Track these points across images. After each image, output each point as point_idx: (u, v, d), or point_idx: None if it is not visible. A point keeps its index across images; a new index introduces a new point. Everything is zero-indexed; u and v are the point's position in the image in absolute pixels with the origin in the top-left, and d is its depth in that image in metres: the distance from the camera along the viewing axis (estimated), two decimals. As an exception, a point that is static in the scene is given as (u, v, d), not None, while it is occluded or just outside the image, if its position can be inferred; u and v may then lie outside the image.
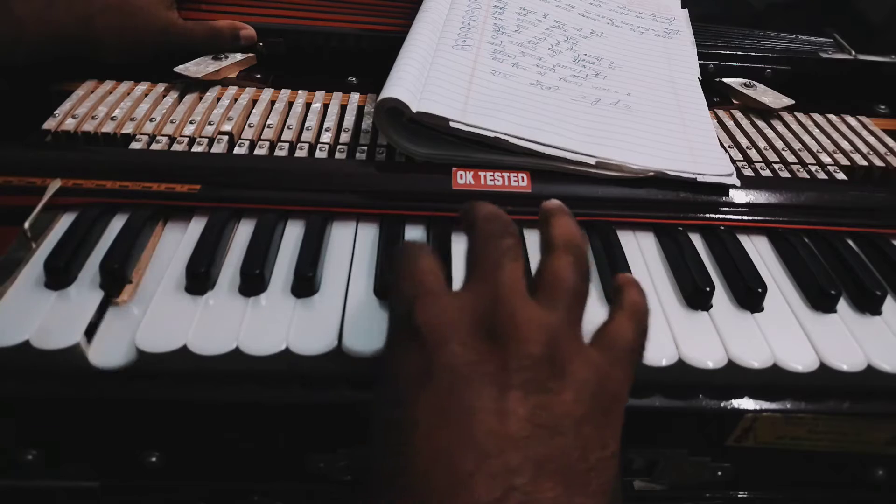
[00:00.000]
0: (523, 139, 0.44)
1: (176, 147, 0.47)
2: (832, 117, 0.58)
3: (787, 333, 0.38)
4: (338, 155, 0.48)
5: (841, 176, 0.50)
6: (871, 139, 0.55)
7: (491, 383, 0.26)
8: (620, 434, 0.27)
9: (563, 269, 0.29)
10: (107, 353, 0.35)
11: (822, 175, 0.50)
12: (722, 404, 0.37)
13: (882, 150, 0.53)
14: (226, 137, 0.48)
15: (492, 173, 0.45)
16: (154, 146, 0.47)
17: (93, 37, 0.52)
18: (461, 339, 0.27)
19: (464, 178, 0.44)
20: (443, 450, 0.25)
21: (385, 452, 0.26)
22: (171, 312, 0.36)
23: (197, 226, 0.42)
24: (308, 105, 0.53)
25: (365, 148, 0.48)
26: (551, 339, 0.27)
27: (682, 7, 0.68)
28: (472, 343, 0.27)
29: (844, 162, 0.52)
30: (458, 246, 0.42)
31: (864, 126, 0.57)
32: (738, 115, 0.57)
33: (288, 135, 0.49)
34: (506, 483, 0.24)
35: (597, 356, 0.28)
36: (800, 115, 0.58)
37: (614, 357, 0.29)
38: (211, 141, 0.48)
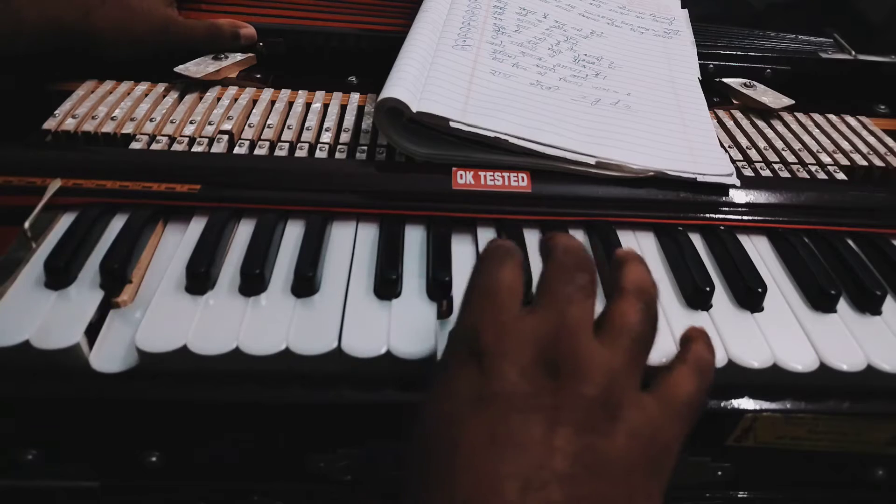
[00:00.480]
0: (523, 139, 0.44)
1: (176, 147, 0.47)
2: (832, 117, 0.58)
3: (787, 333, 0.38)
4: (338, 155, 0.48)
5: (841, 176, 0.50)
6: (871, 139, 0.55)
7: (544, 418, 0.26)
8: (666, 488, 0.27)
9: (630, 313, 0.29)
10: (106, 353, 0.35)
11: (822, 175, 0.50)
12: (722, 404, 0.37)
13: (882, 150, 0.53)
14: (226, 137, 0.48)
15: (492, 173, 0.45)
16: (154, 146, 0.47)
17: (92, 30, 0.52)
18: (521, 368, 0.27)
19: (464, 178, 0.44)
20: (487, 475, 0.25)
21: (428, 467, 0.26)
22: (171, 312, 0.36)
23: (197, 226, 0.42)
24: (308, 105, 0.53)
25: (365, 148, 0.48)
26: (609, 382, 0.26)
27: (682, 7, 0.68)
28: (531, 374, 0.27)
29: (844, 162, 0.52)
30: (459, 247, 0.42)
31: (864, 126, 0.57)
32: (738, 115, 0.57)
33: (288, 135, 0.49)
34: None
35: (653, 406, 0.28)
36: (800, 115, 0.58)
37: (671, 410, 0.28)
38: (211, 141, 0.48)
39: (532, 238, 0.43)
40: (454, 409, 0.27)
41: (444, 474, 0.25)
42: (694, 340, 0.31)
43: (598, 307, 0.32)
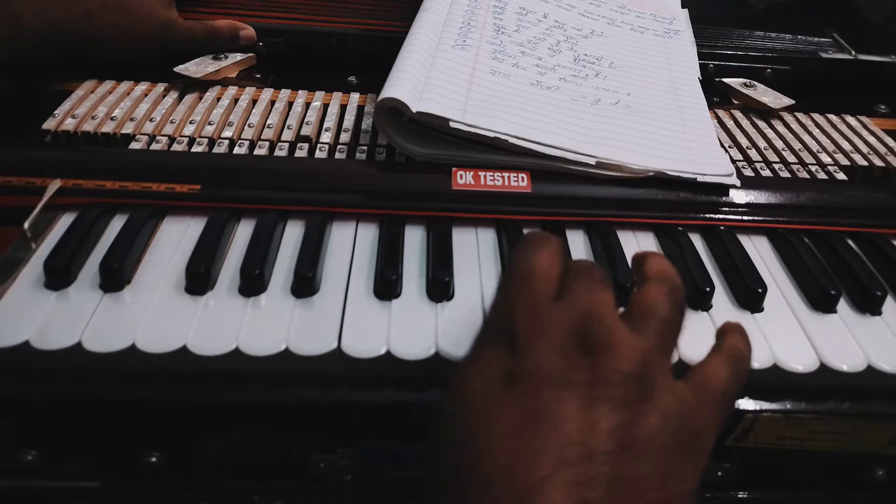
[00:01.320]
0: (523, 139, 0.44)
1: (176, 147, 0.47)
2: (832, 117, 0.58)
3: (788, 334, 0.38)
4: (338, 155, 0.48)
5: (841, 176, 0.50)
6: (871, 139, 0.55)
7: (579, 394, 0.25)
8: (700, 474, 0.27)
9: (655, 296, 0.29)
10: (107, 353, 0.35)
11: (822, 175, 0.50)
12: (722, 404, 0.37)
13: (882, 150, 0.53)
14: (226, 137, 0.48)
15: (492, 173, 0.45)
16: (154, 146, 0.47)
17: (91, 33, 0.52)
18: (553, 344, 0.27)
19: (464, 178, 0.44)
20: (522, 451, 0.25)
21: (458, 446, 0.26)
22: (171, 313, 0.36)
23: (197, 226, 0.42)
24: (308, 105, 0.53)
25: (365, 148, 0.48)
26: (643, 360, 0.26)
27: (682, 7, 0.68)
28: (565, 350, 0.26)
29: (844, 162, 0.52)
30: (459, 247, 0.42)
31: (864, 126, 0.57)
32: (738, 115, 0.57)
33: (288, 135, 0.49)
34: (579, 494, 0.23)
35: (685, 391, 0.28)
36: (800, 115, 0.58)
37: (703, 396, 0.28)
38: (211, 141, 0.48)
39: (532, 238, 0.43)
40: (486, 386, 0.27)
41: (477, 452, 0.25)
42: (729, 333, 0.31)
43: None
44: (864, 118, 0.58)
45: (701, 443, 0.27)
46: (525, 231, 0.43)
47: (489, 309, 0.31)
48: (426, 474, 0.28)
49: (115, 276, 0.37)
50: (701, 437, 0.27)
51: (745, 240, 0.45)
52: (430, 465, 0.28)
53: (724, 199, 0.45)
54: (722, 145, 0.50)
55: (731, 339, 0.31)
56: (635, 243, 0.44)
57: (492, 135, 0.44)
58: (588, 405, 0.25)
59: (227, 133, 0.48)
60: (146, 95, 0.52)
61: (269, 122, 0.50)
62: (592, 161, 0.44)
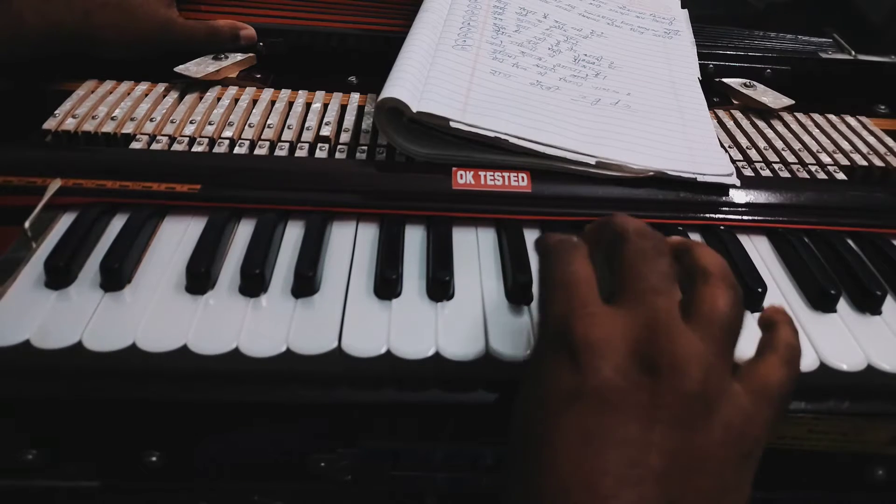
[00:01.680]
0: (523, 139, 0.44)
1: (176, 147, 0.47)
2: (832, 117, 0.58)
3: (787, 333, 0.38)
4: (338, 155, 0.48)
5: (841, 176, 0.50)
6: (871, 139, 0.55)
7: (640, 415, 0.25)
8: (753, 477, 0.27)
9: (722, 300, 0.28)
10: (107, 353, 0.35)
11: (822, 175, 0.50)
12: (722, 404, 0.37)
13: (882, 150, 0.53)
14: (226, 137, 0.48)
15: (492, 173, 0.45)
16: (154, 146, 0.47)
17: (91, 32, 0.52)
18: (616, 363, 0.26)
19: (464, 178, 0.44)
20: (583, 471, 0.25)
21: (524, 461, 0.26)
22: (171, 312, 0.36)
23: (197, 226, 0.42)
24: (308, 105, 0.53)
25: (365, 148, 0.48)
26: (706, 375, 0.26)
27: (682, 7, 0.68)
28: (627, 369, 0.26)
29: (844, 162, 0.52)
30: (459, 247, 0.42)
31: (864, 126, 0.57)
32: (738, 115, 0.57)
33: (288, 135, 0.49)
34: None
35: (744, 398, 0.27)
36: (800, 115, 0.58)
37: (762, 400, 0.28)
38: (211, 141, 0.48)
39: (532, 238, 0.43)
40: (549, 403, 0.27)
41: (540, 468, 0.25)
42: (780, 326, 0.31)
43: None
44: (863, 118, 0.58)
45: (758, 449, 0.27)
46: (525, 231, 0.43)
47: (541, 317, 0.30)
48: (502, 477, 0.28)
49: (116, 276, 0.37)
50: (758, 443, 0.27)
51: (745, 239, 0.45)
52: (505, 476, 0.28)
53: (723, 198, 0.45)
54: (722, 145, 0.50)
55: (784, 335, 0.30)
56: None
57: (492, 135, 0.44)
58: (650, 426, 0.25)
59: (228, 133, 0.48)
60: (146, 95, 0.52)
61: (269, 122, 0.50)
62: (592, 161, 0.44)
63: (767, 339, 0.30)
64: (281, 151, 0.47)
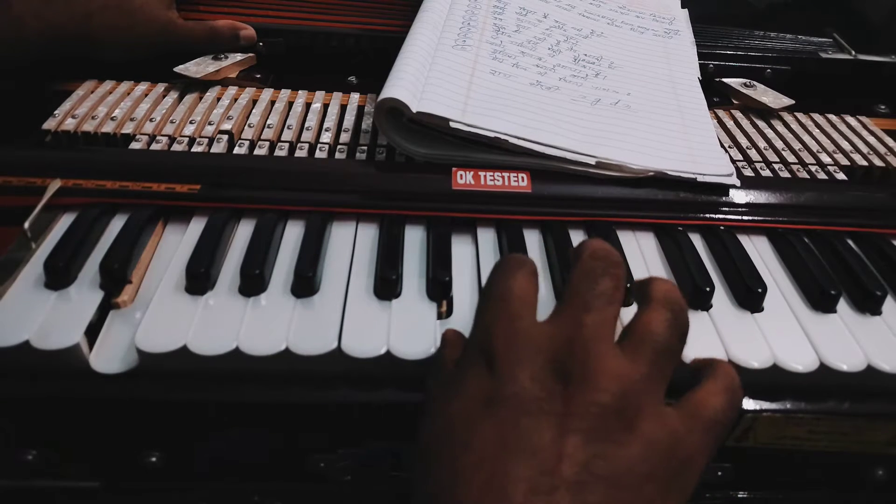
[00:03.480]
0: (523, 139, 0.44)
1: (176, 147, 0.47)
2: (832, 117, 0.58)
3: (787, 333, 0.38)
4: (338, 155, 0.48)
5: (841, 176, 0.50)
6: (871, 139, 0.55)
7: (554, 424, 0.26)
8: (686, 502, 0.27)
9: (656, 322, 0.29)
10: (106, 353, 0.35)
11: (822, 175, 0.50)
12: (722, 404, 0.37)
13: (882, 150, 0.53)
14: (226, 137, 0.48)
15: (492, 173, 0.45)
16: (154, 146, 0.47)
17: (91, 35, 0.52)
18: (533, 372, 0.27)
19: (464, 178, 0.44)
20: (495, 477, 0.25)
21: (437, 466, 0.26)
22: (171, 312, 0.36)
23: (197, 226, 0.42)
24: (308, 105, 0.53)
25: (365, 148, 0.48)
26: (625, 391, 0.26)
27: (682, 7, 0.68)
28: (543, 379, 0.27)
29: (844, 162, 0.52)
30: (459, 248, 0.42)
31: (864, 126, 0.57)
32: (738, 115, 0.57)
33: (288, 135, 0.49)
34: None
35: (675, 419, 0.28)
36: (800, 115, 0.58)
37: (696, 424, 0.28)
38: (211, 141, 0.48)
39: (532, 238, 0.43)
40: (466, 409, 0.27)
41: (454, 474, 0.26)
42: (720, 363, 0.31)
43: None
44: (864, 118, 0.58)
45: (689, 471, 0.27)
46: (524, 231, 0.43)
47: (469, 332, 0.31)
48: (411, 486, 0.28)
49: (115, 276, 0.37)
50: (689, 464, 0.27)
51: (745, 240, 0.45)
52: (413, 481, 0.28)
53: (724, 199, 0.45)
54: (722, 145, 0.50)
55: (726, 367, 0.31)
56: (635, 243, 0.44)
57: (492, 135, 0.44)
58: (563, 435, 0.25)
59: (227, 133, 0.48)
60: (146, 95, 0.52)
61: (269, 122, 0.50)
62: (592, 161, 0.44)
63: (707, 369, 0.31)
64: (281, 151, 0.47)
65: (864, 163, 0.52)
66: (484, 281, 0.40)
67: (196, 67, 0.54)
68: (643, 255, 0.43)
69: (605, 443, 0.26)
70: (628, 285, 0.34)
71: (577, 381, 0.26)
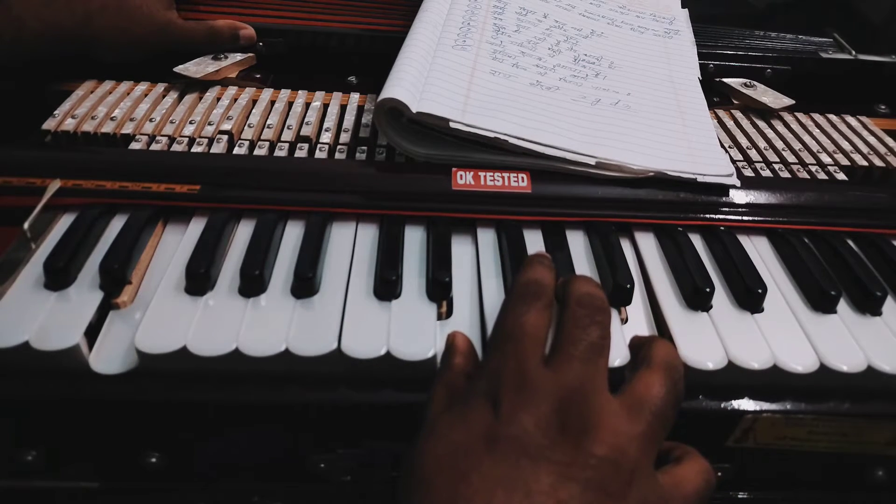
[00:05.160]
0: (523, 139, 0.44)
1: (176, 147, 0.47)
2: (832, 117, 0.58)
3: (787, 334, 0.38)
4: (338, 155, 0.48)
5: (841, 176, 0.50)
6: (871, 139, 0.55)
7: (554, 471, 0.26)
8: None
9: (657, 388, 0.30)
10: (106, 354, 0.35)
11: (822, 175, 0.50)
12: (722, 405, 0.37)
13: (882, 150, 0.53)
14: (225, 137, 0.48)
15: (492, 173, 0.45)
16: (154, 146, 0.47)
17: (91, 35, 0.52)
18: (537, 419, 0.28)
19: (464, 179, 0.44)
20: None
21: (433, 492, 0.27)
22: (170, 313, 0.36)
23: (197, 226, 0.42)
24: (308, 105, 0.53)
25: (365, 148, 0.48)
26: (620, 445, 0.27)
27: (682, 7, 0.68)
28: (547, 426, 0.27)
29: (844, 162, 0.52)
30: (459, 248, 0.42)
31: (864, 126, 0.57)
32: (738, 115, 0.57)
33: (288, 135, 0.49)
34: None
35: (661, 487, 0.29)
36: (800, 115, 0.58)
37: (677, 494, 0.29)
38: (211, 141, 0.48)
39: (532, 238, 0.43)
40: (468, 441, 0.28)
41: (450, 502, 0.26)
42: (689, 455, 0.32)
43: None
44: (864, 118, 0.58)
45: None
46: (524, 231, 0.43)
47: (481, 363, 0.31)
48: (396, 491, 0.29)
49: (115, 277, 0.37)
50: None
51: (745, 240, 0.44)
52: (402, 489, 0.28)
53: (724, 199, 0.45)
54: (722, 145, 0.50)
55: (696, 458, 0.32)
56: (635, 243, 0.44)
57: (492, 135, 0.44)
58: (561, 483, 0.26)
59: (227, 133, 0.48)
60: (146, 95, 0.52)
61: (268, 122, 0.50)
62: (592, 161, 0.44)
63: (689, 452, 0.32)
64: (280, 152, 0.47)
65: (865, 163, 0.52)
66: (484, 282, 0.40)
67: (196, 67, 0.54)
68: (643, 255, 0.43)
69: (601, 494, 0.26)
70: (629, 346, 0.35)
71: (580, 433, 0.27)
